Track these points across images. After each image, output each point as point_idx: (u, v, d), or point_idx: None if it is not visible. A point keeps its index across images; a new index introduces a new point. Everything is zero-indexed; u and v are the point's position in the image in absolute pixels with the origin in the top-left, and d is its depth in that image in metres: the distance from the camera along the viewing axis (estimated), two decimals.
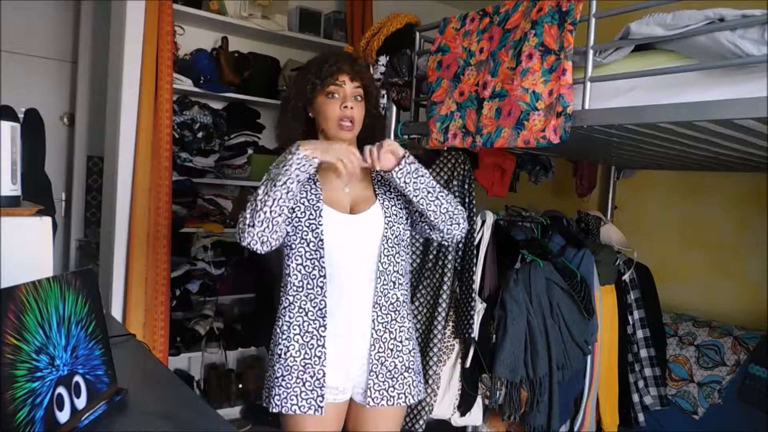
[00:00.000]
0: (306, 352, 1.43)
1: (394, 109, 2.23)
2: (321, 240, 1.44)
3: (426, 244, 2.14)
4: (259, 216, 1.35)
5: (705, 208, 2.87)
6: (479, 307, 2.04)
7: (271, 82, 3.05)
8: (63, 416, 0.92)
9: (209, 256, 3.02)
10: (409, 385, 1.51)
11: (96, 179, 3.41)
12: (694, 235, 2.90)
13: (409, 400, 1.51)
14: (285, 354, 1.44)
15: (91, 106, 3.37)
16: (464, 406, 2.07)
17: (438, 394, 2.03)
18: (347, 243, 1.47)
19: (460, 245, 2.11)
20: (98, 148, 3.18)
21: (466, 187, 2.15)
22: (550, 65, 1.68)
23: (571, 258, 2.23)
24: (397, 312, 1.50)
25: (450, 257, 2.08)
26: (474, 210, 2.16)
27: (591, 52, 1.62)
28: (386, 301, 1.48)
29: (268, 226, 1.36)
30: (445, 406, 2.06)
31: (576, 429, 2.22)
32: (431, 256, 2.11)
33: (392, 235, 1.49)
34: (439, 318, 2.03)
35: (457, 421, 2.10)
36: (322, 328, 1.44)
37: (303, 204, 1.46)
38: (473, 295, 2.02)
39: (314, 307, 1.44)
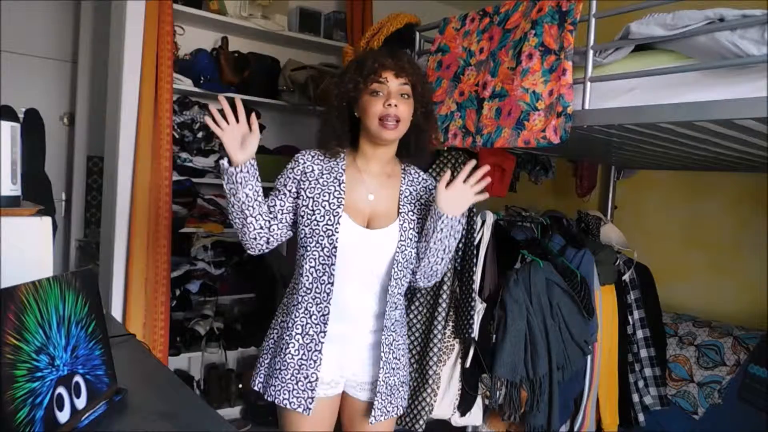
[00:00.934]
0: (304, 354, 1.46)
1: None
2: (335, 247, 1.42)
3: None
4: (241, 229, 1.45)
5: (705, 208, 2.87)
6: (479, 307, 2.04)
7: (271, 82, 3.04)
8: (63, 416, 0.92)
9: (209, 256, 3.02)
10: (402, 398, 1.56)
11: (96, 179, 3.41)
12: (694, 235, 2.90)
13: (398, 411, 1.56)
14: (285, 350, 1.47)
15: (91, 106, 3.37)
16: (464, 406, 2.07)
17: (438, 394, 2.03)
18: (357, 256, 1.45)
19: (460, 245, 2.11)
20: (98, 148, 3.18)
21: None
22: (550, 65, 1.68)
23: (571, 258, 2.23)
24: (397, 332, 1.53)
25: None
26: (474, 210, 2.16)
27: (591, 52, 1.63)
28: (391, 323, 1.50)
29: (251, 236, 1.45)
30: (445, 406, 2.06)
31: (576, 429, 2.22)
32: None
33: (403, 258, 1.47)
34: (439, 318, 2.03)
35: (457, 421, 2.10)
36: (322, 334, 1.45)
37: (323, 207, 1.43)
38: (473, 295, 2.02)
39: (318, 312, 1.46)
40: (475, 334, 2.01)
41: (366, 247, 1.46)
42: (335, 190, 1.45)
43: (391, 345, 1.50)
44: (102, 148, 2.88)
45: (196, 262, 3.00)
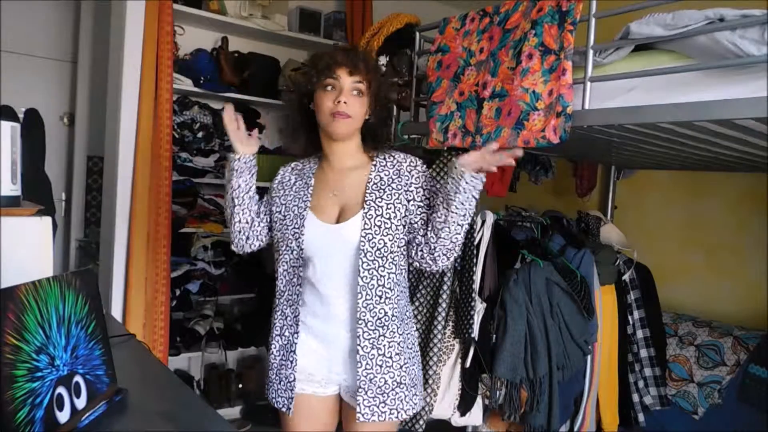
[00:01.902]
0: (283, 355, 1.51)
1: (394, 109, 2.23)
2: (302, 249, 1.45)
3: None
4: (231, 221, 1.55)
5: (705, 208, 2.87)
6: (479, 307, 2.04)
7: (271, 82, 3.04)
8: (63, 416, 0.92)
9: (209, 256, 3.02)
10: (401, 400, 1.46)
11: (96, 179, 3.41)
12: (694, 235, 2.90)
13: (401, 415, 1.46)
14: (271, 350, 1.54)
15: (91, 106, 3.37)
16: (464, 406, 2.07)
17: (438, 394, 2.03)
18: (325, 253, 1.45)
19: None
20: (98, 148, 3.18)
21: None
22: (550, 65, 1.68)
23: (571, 258, 2.23)
24: (385, 327, 1.45)
25: None
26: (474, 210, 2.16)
27: (591, 52, 1.62)
28: (372, 317, 1.43)
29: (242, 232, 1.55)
30: (445, 406, 2.05)
31: (576, 429, 2.22)
32: None
33: (372, 247, 1.42)
34: (439, 318, 2.03)
35: (457, 421, 2.10)
36: (296, 335, 1.48)
37: (292, 211, 1.49)
38: (473, 295, 2.02)
39: (291, 314, 1.50)
40: (475, 334, 2.01)
41: (332, 242, 1.45)
42: (303, 194, 1.51)
43: (375, 341, 1.43)
44: (102, 148, 2.88)
45: (196, 262, 3.00)
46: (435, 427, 2.16)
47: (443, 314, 2.04)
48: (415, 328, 1.61)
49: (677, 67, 1.46)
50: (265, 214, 1.57)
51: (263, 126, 3.16)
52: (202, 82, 2.79)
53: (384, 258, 1.44)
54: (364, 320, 1.43)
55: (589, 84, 1.63)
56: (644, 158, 2.47)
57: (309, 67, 1.50)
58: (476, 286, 2.04)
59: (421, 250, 1.47)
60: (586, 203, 3.17)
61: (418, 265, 1.51)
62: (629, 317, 2.47)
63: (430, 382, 2.01)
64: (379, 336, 1.44)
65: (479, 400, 2.10)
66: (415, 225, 1.48)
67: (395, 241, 1.45)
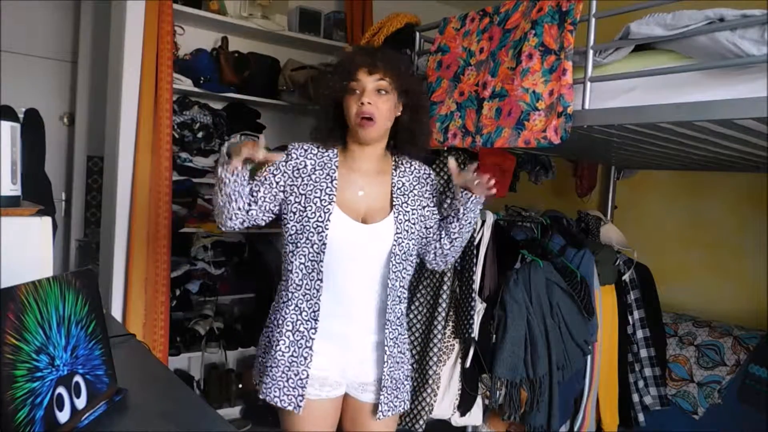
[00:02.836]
0: (294, 351, 1.45)
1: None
2: (324, 244, 1.42)
3: None
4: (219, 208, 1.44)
5: (705, 208, 2.87)
6: (479, 307, 2.04)
7: (271, 82, 3.04)
8: (63, 416, 0.92)
9: (209, 256, 3.02)
10: (407, 392, 1.56)
11: (96, 179, 3.41)
12: (694, 235, 2.90)
13: (405, 406, 1.55)
14: (275, 347, 1.46)
15: (91, 106, 3.37)
16: (464, 406, 2.07)
17: (438, 394, 2.03)
18: (353, 252, 1.45)
19: None
20: (98, 148, 3.18)
21: None
22: (550, 65, 1.68)
23: (571, 258, 2.23)
24: (402, 326, 1.53)
25: None
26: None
27: (591, 52, 1.63)
28: (395, 317, 1.49)
29: (229, 215, 1.43)
30: (445, 406, 2.05)
31: (576, 429, 2.22)
32: None
33: (400, 251, 1.46)
34: (439, 318, 2.03)
35: (457, 421, 2.10)
36: (313, 330, 1.44)
37: (314, 203, 1.43)
38: (473, 295, 2.02)
39: (309, 308, 1.45)
40: (475, 334, 2.01)
41: (362, 241, 1.45)
42: (327, 187, 1.45)
43: (396, 340, 1.50)
44: (102, 148, 2.88)
45: (196, 262, 3.00)
46: (435, 427, 2.16)
47: (443, 314, 2.04)
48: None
49: (677, 67, 1.47)
50: (265, 201, 1.46)
51: (263, 126, 3.16)
52: (202, 82, 2.79)
53: (407, 261, 1.50)
54: (390, 321, 1.47)
55: (589, 84, 1.63)
56: (644, 158, 2.47)
57: (333, 75, 1.47)
58: (476, 286, 2.04)
59: (434, 254, 1.59)
60: (586, 203, 3.17)
61: (429, 265, 1.63)
62: (629, 317, 2.47)
63: (430, 382, 2.01)
64: (399, 335, 1.52)
65: (479, 400, 2.10)
66: (429, 230, 1.56)
67: (415, 246, 1.53)
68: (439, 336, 2.03)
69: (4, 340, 0.82)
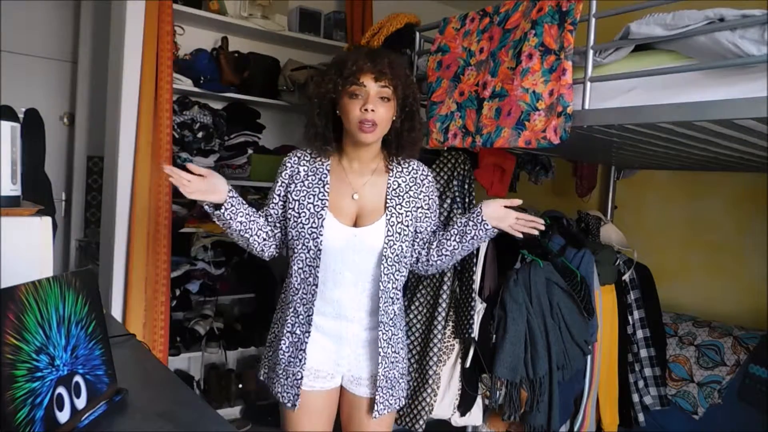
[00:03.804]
0: (291, 352, 1.49)
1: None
2: (319, 250, 1.44)
3: None
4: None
5: (705, 208, 2.87)
6: (479, 307, 2.04)
7: (271, 82, 3.04)
8: (63, 416, 0.92)
9: (209, 256, 3.02)
10: (403, 389, 1.57)
11: (96, 179, 3.41)
12: (694, 235, 2.90)
13: (401, 402, 1.57)
14: (278, 344, 1.52)
15: (91, 106, 3.37)
16: (464, 406, 2.07)
17: (438, 394, 2.03)
18: (344, 255, 1.46)
19: None
20: (98, 148, 3.18)
21: (466, 187, 2.15)
22: (550, 65, 1.68)
23: (571, 258, 2.22)
24: (396, 326, 1.54)
25: None
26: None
27: (591, 52, 1.63)
28: (387, 318, 1.50)
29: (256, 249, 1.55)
30: (445, 406, 2.05)
31: (576, 429, 2.22)
32: None
33: (392, 253, 1.47)
34: (439, 318, 2.03)
35: (457, 421, 2.10)
36: (307, 334, 1.48)
37: (308, 210, 1.45)
38: (473, 295, 2.02)
39: (304, 312, 1.48)
40: (475, 334, 2.01)
41: (353, 245, 1.46)
42: (319, 192, 1.47)
43: (390, 340, 1.51)
44: (102, 148, 2.88)
45: (196, 262, 3.00)
46: (435, 427, 2.16)
47: (443, 314, 2.04)
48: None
49: (677, 67, 1.46)
50: (281, 220, 1.53)
51: (263, 126, 3.16)
52: (202, 82, 2.79)
53: (400, 263, 1.50)
54: (383, 322, 1.49)
55: (589, 84, 1.63)
56: (644, 158, 2.47)
57: (333, 73, 1.45)
58: (476, 286, 2.04)
59: (417, 259, 1.60)
60: (586, 203, 3.17)
61: (416, 268, 1.64)
62: (629, 317, 2.47)
63: (430, 382, 2.00)
64: (392, 335, 1.52)
65: (479, 400, 2.10)
66: (420, 233, 1.56)
67: (409, 247, 1.53)
68: (439, 336, 2.03)
69: (4, 340, 0.82)
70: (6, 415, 0.80)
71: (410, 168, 1.56)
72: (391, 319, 1.51)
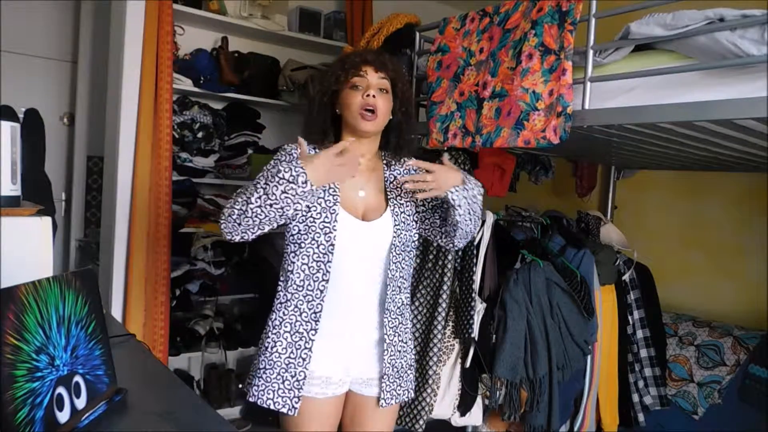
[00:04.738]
0: (292, 352, 1.43)
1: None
2: (332, 245, 1.42)
3: (425, 244, 2.14)
4: (246, 221, 1.32)
5: (705, 208, 2.87)
6: (479, 307, 2.04)
7: (271, 82, 3.04)
8: (63, 416, 0.92)
9: (209, 256, 3.02)
10: (410, 381, 1.57)
11: (96, 179, 3.41)
12: (694, 235, 2.90)
13: (409, 395, 1.57)
14: (271, 348, 1.44)
15: (91, 106, 3.37)
16: (464, 406, 2.07)
17: (438, 394, 2.03)
18: (357, 249, 1.46)
19: None
20: (98, 148, 3.18)
21: None
22: (550, 65, 1.68)
23: (571, 258, 2.23)
24: (403, 315, 1.54)
25: (450, 257, 2.08)
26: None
27: (591, 52, 1.63)
28: (395, 306, 1.50)
29: (251, 229, 1.35)
30: (445, 406, 2.06)
31: (576, 429, 2.22)
32: (431, 257, 2.11)
33: (400, 242, 1.49)
34: (439, 318, 2.03)
35: (457, 421, 2.10)
36: (313, 331, 1.44)
37: (320, 204, 1.43)
38: (473, 295, 2.02)
39: (309, 309, 1.44)
40: (475, 334, 2.01)
41: (365, 239, 1.47)
42: (329, 187, 1.45)
43: (396, 328, 1.51)
44: (102, 148, 2.88)
45: (196, 262, 3.00)
46: (435, 427, 2.16)
47: (443, 314, 2.04)
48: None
49: (677, 67, 1.47)
50: None
51: (263, 126, 3.16)
52: (202, 82, 2.79)
53: (407, 252, 1.52)
54: (389, 310, 1.49)
55: (589, 84, 1.63)
56: (644, 158, 2.47)
57: (336, 67, 1.51)
58: (476, 286, 2.04)
59: (440, 237, 1.58)
60: (586, 203, 3.17)
61: (443, 244, 1.60)
62: (629, 317, 2.47)
63: (430, 382, 2.00)
64: (399, 324, 1.52)
65: (479, 400, 2.10)
66: (426, 216, 1.57)
67: (414, 236, 1.55)
68: (439, 336, 2.03)
69: (4, 340, 0.82)
70: (6, 415, 0.80)
71: (403, 161, 1.59)
72: (398, 308, 1.51)
